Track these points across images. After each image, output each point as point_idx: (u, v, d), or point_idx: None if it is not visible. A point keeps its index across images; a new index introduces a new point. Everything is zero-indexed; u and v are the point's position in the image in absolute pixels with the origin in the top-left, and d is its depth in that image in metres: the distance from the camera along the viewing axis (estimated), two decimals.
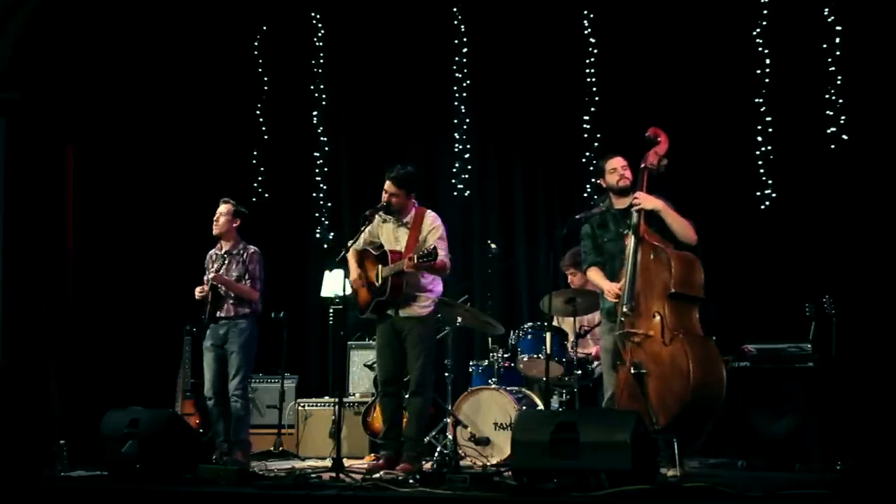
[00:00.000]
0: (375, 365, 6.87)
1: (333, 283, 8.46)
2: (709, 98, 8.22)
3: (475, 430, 7.09)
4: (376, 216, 6.58)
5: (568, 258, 7.54)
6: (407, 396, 6.62)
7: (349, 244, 6.51)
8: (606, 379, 6.17)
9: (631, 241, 5.88)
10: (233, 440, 7.00)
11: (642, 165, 6.05)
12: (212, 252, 7.37)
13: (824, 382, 6.72)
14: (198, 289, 7.19)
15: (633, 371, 5.72)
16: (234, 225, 7.26)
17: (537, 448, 5.00)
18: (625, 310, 5.82)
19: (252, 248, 7.25)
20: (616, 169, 6.14)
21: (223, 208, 7.26)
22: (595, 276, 6.21)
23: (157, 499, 5.33)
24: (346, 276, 6.61)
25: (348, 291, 6.71)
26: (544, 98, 8.91)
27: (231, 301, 7.08)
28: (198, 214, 8.23)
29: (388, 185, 6.51)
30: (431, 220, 6.57)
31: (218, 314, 7.09)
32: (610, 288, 6.00)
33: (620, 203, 6.13)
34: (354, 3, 9.37)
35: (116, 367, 8.44)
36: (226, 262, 7.19)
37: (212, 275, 7.11)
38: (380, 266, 6.48)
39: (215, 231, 7.26)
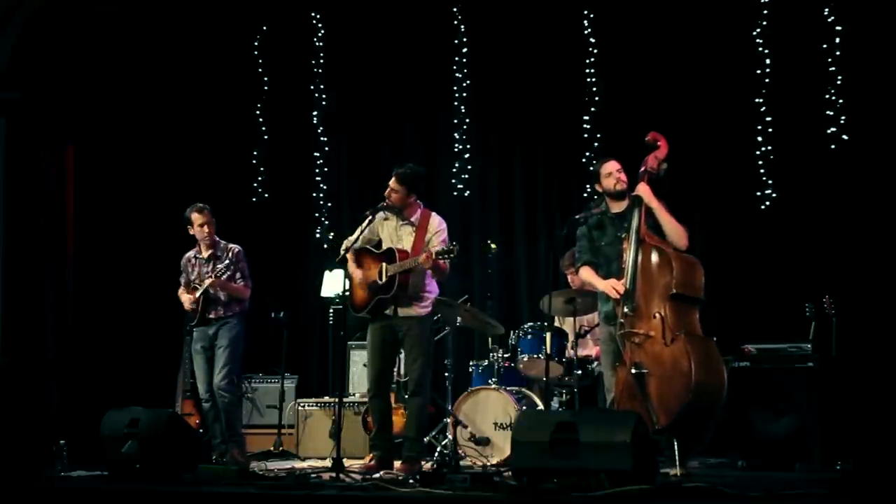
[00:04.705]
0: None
1: (333, 283, 8.46)
2: (709, 98, 8.22)
3: (475, 430, 7.10)
4: (378, 214, 6.58)
5: (567, 258, 7.53)
6: (406, 396, 6.62)
7: (349, 243, 6.51)
8: (607, 381, 6.17)
9: (632, 242, 5.88)
10: (227, 436, 7.01)
11: (642, 169, 6.05)
12: (189, 255, 7.30)
13: (824, 382, 6.72)
14: (188, 298, 7.14)
15: (633, 371, 5.72)
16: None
17: (537, 448, 5.00)
18: (626, 310, 5.82)
19: (236, 247, 7.22)
20: (612, 173, 6.13)
21: (206, 217, 7.13)
22: (587, 274, 6.19)
23: (157, 499, 5.32)
24: (346, 275, 6.59)
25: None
26: (544, 98, 8.91)
27: (221, 303, 7.09)
28: None
29: (391, 180, 6.53)
30: (438, 222, 6.60)
31: (208, 316, 7.09)
32: (607, 284, 5.98)
33: (617, 206, 6.13)
34: (354, 3, 9.37)
35: (116, 367, 8.44)
36: (212, 264, 7.16)
37: (208, 280, 7.07)
38: (384, 264, 6.47)
39: (209, 240, 7.19)
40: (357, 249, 6.61)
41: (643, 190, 5.95)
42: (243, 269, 7.19)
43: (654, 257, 5.82)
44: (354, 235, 6.56)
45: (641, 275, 5.83)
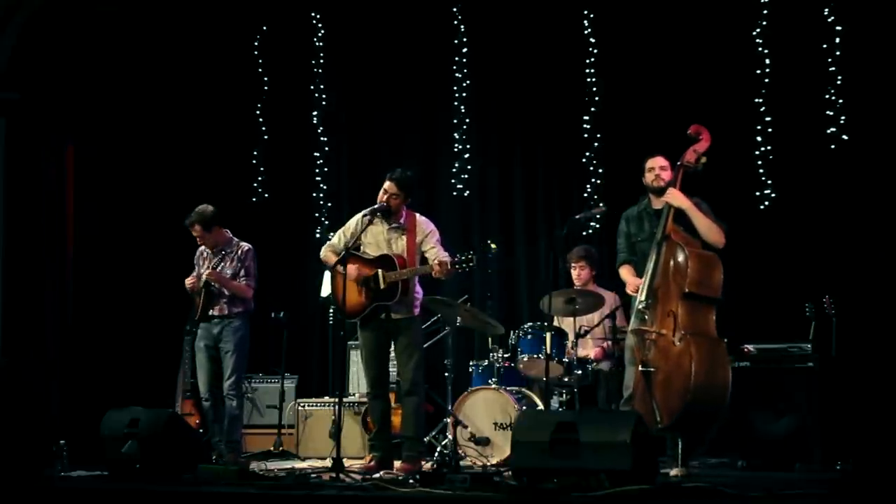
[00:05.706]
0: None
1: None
2: (709, 98, 8.21)
3: (475, 430, 7.09)
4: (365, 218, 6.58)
5: (576, 250, 7.55)
6: (403, 397, 6.63)
7: (344, 244, 6.55)
8: (627, 376, 6.20)
9: (654, 243, 5.90)
10: (227, 440, 7.01)
11: (679, 163, 6.08)
12: (203, 249, 7.32)
13: (824, 382, 6.72)
14: (189, 279, 7.16)
15: (640, 369, 5.74)
16: (216, 229, 7.16)
17: (537, 448, 5.01)
18: (640, 307, 5.84)
19: (246, 245, 7.22)
20: (653, 168, 6.17)
21: (196, 232, 7.10)
22: (625, 273, 6.28)
23: (157, 499, 5.33)
24: (333, 277, 6.60)
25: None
26: (544, 98, 8.91)
27: (224, 299, 7.07)
28: None
29: (389, 185, 6.52)
30: (425, 223, 6.64)
31: (210, 313, 7.08)
32: (631, 282, 6.04)
33: (657, 203, 6.16)
34: (354, 3, 9.37)
35: (116, 367, 8.44)
36: (219, 259, 7.17)
37: (206, 272, 7.08)
38: (380, 270, 6.46)
39: (210, 245, 7.19)
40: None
41: (672, 196, 5.96)
42: (249, 268, 7.17)
43: (675, 256, 5.84)
44: (351, 238, 6.57)
45: (661, 273, 5.86)
